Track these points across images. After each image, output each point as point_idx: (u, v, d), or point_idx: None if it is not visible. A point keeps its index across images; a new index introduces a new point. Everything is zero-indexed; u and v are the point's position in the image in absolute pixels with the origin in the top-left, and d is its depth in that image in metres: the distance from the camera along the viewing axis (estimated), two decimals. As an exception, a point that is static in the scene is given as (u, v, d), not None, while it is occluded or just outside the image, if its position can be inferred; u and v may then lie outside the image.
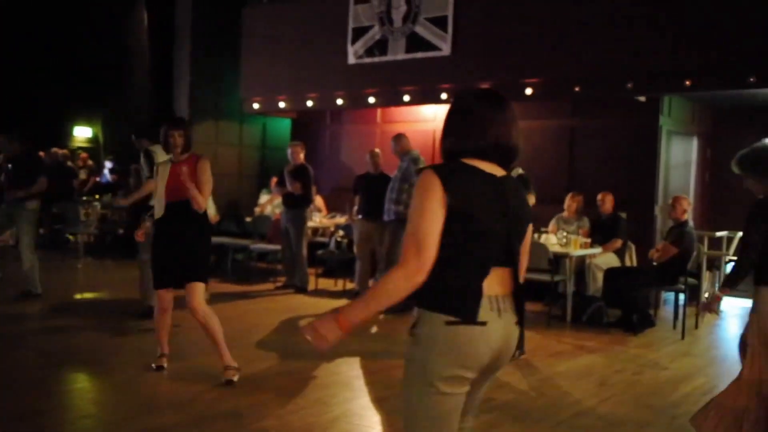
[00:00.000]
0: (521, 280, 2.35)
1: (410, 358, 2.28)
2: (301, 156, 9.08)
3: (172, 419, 4.32)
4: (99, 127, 16.87)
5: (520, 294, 2.32)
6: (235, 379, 5.00)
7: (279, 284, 9.35)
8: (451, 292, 2.19)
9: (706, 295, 8.41)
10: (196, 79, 12.07)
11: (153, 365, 5.27)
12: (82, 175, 13.86)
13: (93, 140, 17.00)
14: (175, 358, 5.42)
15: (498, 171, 2.32)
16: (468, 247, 2.20)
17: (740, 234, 9.16)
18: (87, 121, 16.83)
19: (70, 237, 12.55)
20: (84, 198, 12.56)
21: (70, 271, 10.51)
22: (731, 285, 3.90)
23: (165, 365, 5.29)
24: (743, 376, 3.91)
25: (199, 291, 4.98)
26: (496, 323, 2.24)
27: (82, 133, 16.99)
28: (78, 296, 8.77)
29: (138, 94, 12.45)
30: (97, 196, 12.88)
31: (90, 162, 14.61)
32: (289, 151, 9.21)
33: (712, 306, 3.90)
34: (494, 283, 2.25)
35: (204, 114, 12.15)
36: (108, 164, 14.60)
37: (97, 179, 14.12)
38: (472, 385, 2.30)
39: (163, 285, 5.14)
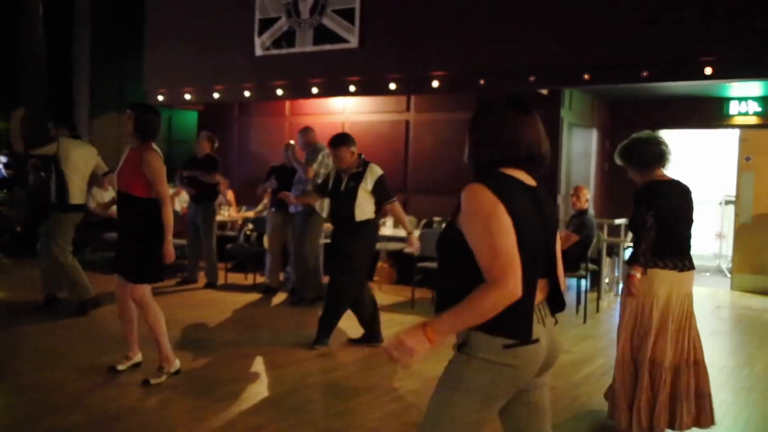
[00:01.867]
0: (563, 287, 2.38)
1: (461, 380, 2.20)
2: (206, 147, 8.92)
3: (77, 419, 4.18)
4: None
5: (560, 299, 2.35)
6: (153, 381, 4.86)
7: (179, 279, 9.16)
8: (505, 313, 2.11)
9: (621, 286, 8.78)
10: (96, 71, 11.68)
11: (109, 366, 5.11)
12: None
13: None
14: (80, 354, 5.26)
15: (530, 180, 2.33)
16: (523, 261, 2.14)
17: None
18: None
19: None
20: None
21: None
22: (642, 260, 4.08)
23: (121, 367, 5.08)
24: (635, 357, 4.11)
25: (137, 289, 4.88)
26: (543, 334, 2.26)
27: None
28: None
29: (34, 86, 11.90)
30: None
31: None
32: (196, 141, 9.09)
33: (631, 288, 4.10)
34: (537, 294, 2.26)
35: (106, 107, 11.77)
36: (2, 159, 13.93)
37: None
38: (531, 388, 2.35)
39: (114, 270, 5.10)
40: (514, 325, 2.16)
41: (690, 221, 4.19)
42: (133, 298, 4.90)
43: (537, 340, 2.21)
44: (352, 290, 6.07)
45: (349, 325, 6.97)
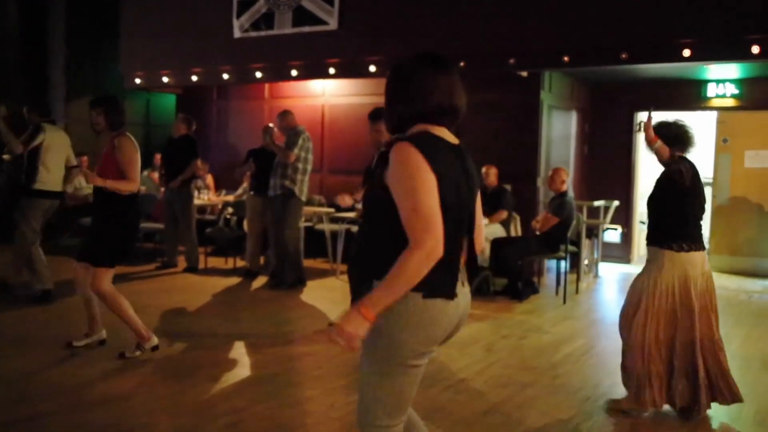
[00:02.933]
0: (479, 248, 2.42)
1: (378, 334, 2.21)
2: (182, 128, 8.85)
3: (52, 406, 4.15)
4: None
5: (475, 262, 2.39)
6: (129, 354, 5.03)
7: (158, 264, 9.10)
8: (436, 270, 2.15)
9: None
10: (72, 54, 11.49)
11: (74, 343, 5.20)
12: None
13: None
14: (55, 340, 5.21)
15: (453, 138, 2.33)
16: (444, 220, 2.16)
17: (616, 203, 9.69)
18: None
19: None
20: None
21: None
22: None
23: (77, 343, 5.20)
24: (646, 340, 4.12)
25: (97, 274, 4.89)
26: (461, 294, 2.31)
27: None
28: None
29: (7, 70, 11.70)
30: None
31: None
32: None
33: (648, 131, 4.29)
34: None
35: (82, 90, 11.57)
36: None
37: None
38: None
39: (77, 256, 5.12)
40: (437, 280, 2.18)
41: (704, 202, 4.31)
42: (93, 289, 4.93)
43: (456, 296, 2.27)
44: None
45: (330, 308, 6.99)
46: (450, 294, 2.25)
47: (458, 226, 2.26)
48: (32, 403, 4.17)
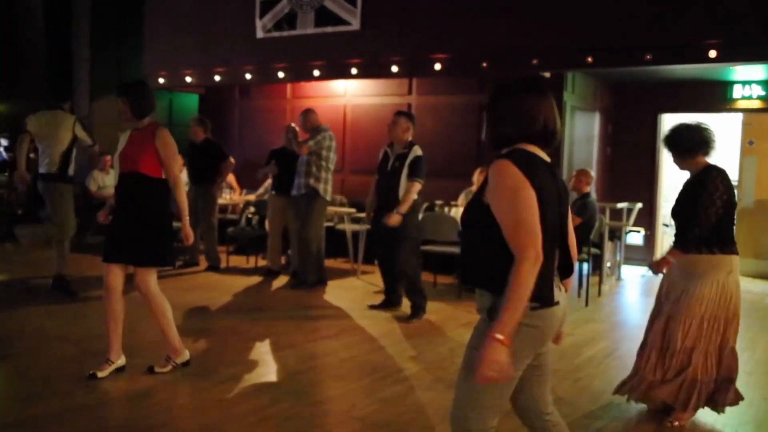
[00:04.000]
0: (574, 258, 2.62)
1: (484, 335, 2.32)
2: (199, 132, 8.89)
3: (72, 403, 4.19)
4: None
5: (570, 266, 2.58)
6: (158, 370, 4.71)
7: (180, 263, 9.16)
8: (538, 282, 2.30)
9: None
10: (96, 53, 11.60)
11: (89, 372, 4.56)
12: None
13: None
14: (65, 339, 5.25)
15: (546, 156, 2.50)
16: (543, 233, 2.31)
17: (639, 205, 9.61)
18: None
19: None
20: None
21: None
22: (683, 249, 4.15)
23: (101, 374, 4.55)
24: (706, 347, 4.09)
25: (145, 274, 4.62)
26: (561, 298, 2.49)
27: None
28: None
29: (33, 69, 11.84)
30: (-8, 175, 12.26)
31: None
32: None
33: (661, 267, 4.16)
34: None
35: (106, 89, 11.68)
36: (3, 142, 13.90)
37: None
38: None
39: (109, 259, 4.64)
40: (538, 290, 2.30)
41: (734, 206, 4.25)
42: (139, 287, 4.63)
43: (557, 303, 2.43)
44: (412, 262, 6.61)
45: (351, 307, 7.00)
46: (551, 302, 2.41)
47: (554, 238, 2.43)
48: (55, 399, 4.21)
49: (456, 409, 2.48)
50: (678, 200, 4.24)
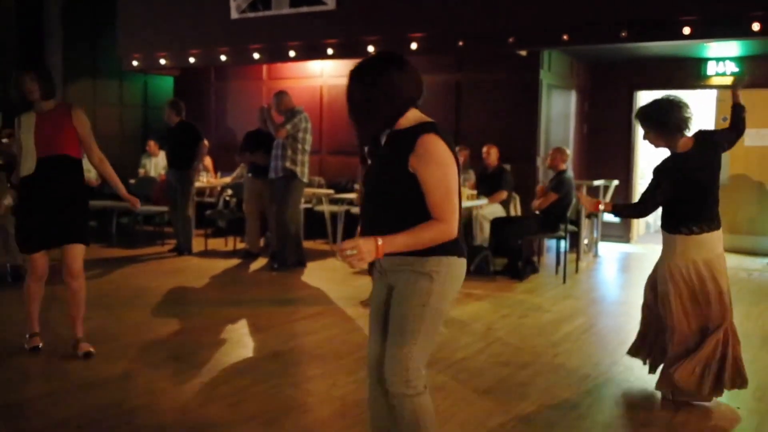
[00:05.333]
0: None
1: (428, 292, 2.60)
2: (172, 115, 8.78)
3: (51, 387, 4.17)
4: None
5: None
6: (93, 349, 4.70)
7: (170, 247, 9.11)
8: (453, 240, 2.61)
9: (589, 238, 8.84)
10: (69, 35, 11.41)
11: (26, 346, 4.73)
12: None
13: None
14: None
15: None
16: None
17: (616, 182, 9.68)
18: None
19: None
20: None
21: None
22: (618, 211, 4.34)
23: (40, 345, 4.75)
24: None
25: (80, 253, 4.63)
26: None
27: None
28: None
29: (3, 52, 11.63)
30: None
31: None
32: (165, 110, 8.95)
33: (593, 203, 4.31)
34: None
35: (80, 72, 11.55)
36: None
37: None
38: None
39: (36, 248, 4.61)
40: (460, 245, 2.68)
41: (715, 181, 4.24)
42: (72, 269, 4.60)
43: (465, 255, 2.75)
44: None
45: (330, 288, 7.02)
46: (464, 254, 2.71)
47: (460, 201, 2.66)
48: (31, 385, 4.19)
49: (397, 364, 2.62)
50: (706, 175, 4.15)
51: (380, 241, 2.46)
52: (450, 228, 2.54)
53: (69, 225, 4.61)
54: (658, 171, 4.10)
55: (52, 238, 4.62)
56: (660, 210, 4.22)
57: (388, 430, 2.75)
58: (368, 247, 2.44)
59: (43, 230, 4.60)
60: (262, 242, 8.91)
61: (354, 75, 2.69)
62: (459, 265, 2.68)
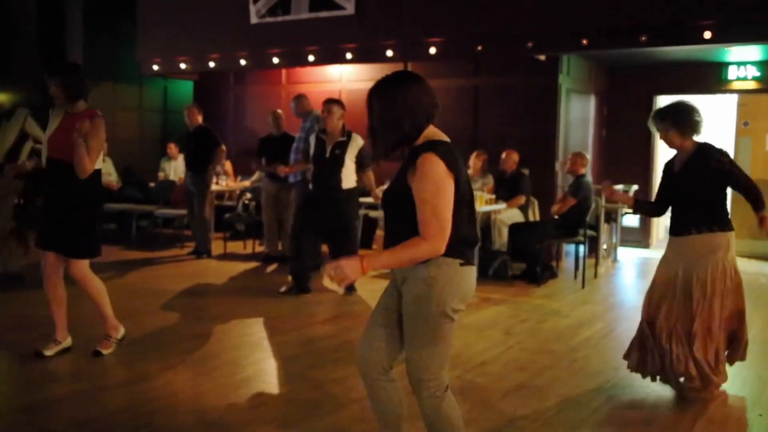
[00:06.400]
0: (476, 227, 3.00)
1: (426, 297, 2.68)
2: (198, 117, 8.85)
3: (70, 389, 4.22)
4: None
5: (477, 239, 2.93)
6: (105, 352, 4.73)
7: (189, 250, 9.17)
8: (459, 243, 2.68)
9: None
10: (89, 39, 11.53)
11: (38, 350, 4.66)
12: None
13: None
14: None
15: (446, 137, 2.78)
16: (464, 207, 2.71)
17: (635, 187, 9.63)
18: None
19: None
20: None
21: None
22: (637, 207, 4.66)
23: (48, 353, 4.64)
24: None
25: (77, 263, 4.57)
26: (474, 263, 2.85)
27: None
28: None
29: (24, 55, 11.76)
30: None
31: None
32: (185, 113, 8.99)
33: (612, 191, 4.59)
34: None
35: (100, 76, 11.65)
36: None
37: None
38: None
39: (42, 245, 4.62)
40: (464, 251, 2.72)
41: None
42: (73, 275, 4.58)
43: (474, 264, 2.81)
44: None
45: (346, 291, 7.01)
46: (473, 262, 2.79)
47: (471, 210, 2.78)
48: (54, 386, 4.24)
49: (418, 361, 2.75)
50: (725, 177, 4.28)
51: (365, 261, 2.57)
52: (432, 246, 2.59)
53: (65, 237, 4.54)
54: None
55: (51, 243, 4.59)
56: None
57: (396, 415, 2.93)
58: (351, 267, 2.56)
59: (43, 232, 4.61)
60: (280, 247, 8.94)
61: (376, 90, 2.77)
62: (460, 270, 2.71)
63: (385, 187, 5.67)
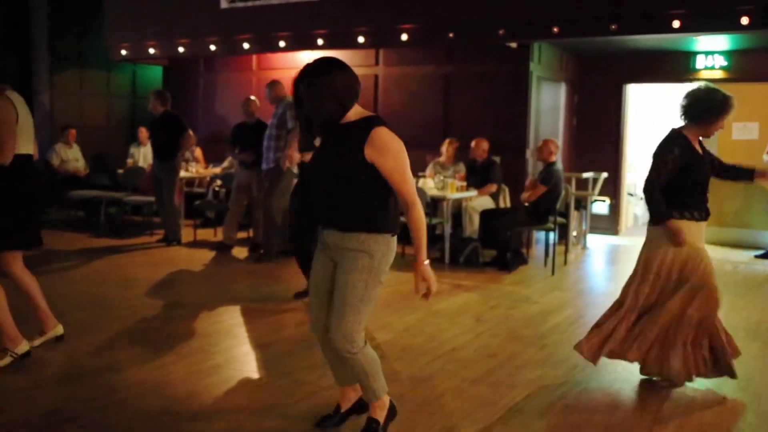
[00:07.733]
0: None
1: (368, 268, 3.05)
2: (157, 105, 8.69)
3: (37, 379, 4.16)
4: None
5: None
6: (36, 343, 4.52)
7: (158, 237, 9.08)
8: (391, 218, 3.10)
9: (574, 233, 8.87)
10: (55, 23, 11.32)
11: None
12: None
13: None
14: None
15: None
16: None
17: (605, 175, 9.71)
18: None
19: None
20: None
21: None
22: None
23: (36, 342, 4.49)
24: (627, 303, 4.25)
25: (5, 257, 4.29)
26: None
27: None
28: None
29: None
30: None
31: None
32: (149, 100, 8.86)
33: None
34: None
35: (67, 62, 11.48)
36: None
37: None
38: None
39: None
40: (394, 224, 3.13)
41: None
42: (2, 269, 4.32)
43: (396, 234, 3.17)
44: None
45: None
46: (398, 232, 3.17)
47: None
48: (19, 376, 4.18)
49: (343, 327, 3.04)
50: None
51: (425, 260, 3.06)
52: (420, 207, 3.03)
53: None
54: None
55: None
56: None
57: (340, 362, 3.30)
58: (429, 273, 3.07)
59: None
60: (249, 234, 8.87)
61: (302, 79, 2.98)
62: (393, 242, 3.12)
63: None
